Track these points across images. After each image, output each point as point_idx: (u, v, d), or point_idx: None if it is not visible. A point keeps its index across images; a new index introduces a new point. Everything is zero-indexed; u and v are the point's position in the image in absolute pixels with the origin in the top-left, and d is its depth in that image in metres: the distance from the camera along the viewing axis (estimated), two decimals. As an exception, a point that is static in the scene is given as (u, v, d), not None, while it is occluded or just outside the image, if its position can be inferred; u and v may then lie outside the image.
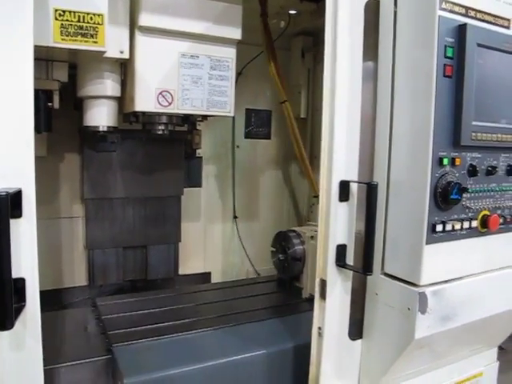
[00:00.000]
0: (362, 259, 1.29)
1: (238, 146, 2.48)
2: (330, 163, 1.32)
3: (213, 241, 2.47)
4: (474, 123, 1.25)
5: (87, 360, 1.42)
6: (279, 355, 1.51)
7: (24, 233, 1.02)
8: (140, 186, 2.13)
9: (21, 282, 1.02)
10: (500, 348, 3.52)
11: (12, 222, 0.97)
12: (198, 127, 2.20)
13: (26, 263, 1.02)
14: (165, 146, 2.13)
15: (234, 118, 2.41)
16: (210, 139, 2.38)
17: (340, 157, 1.32)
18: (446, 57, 1.20)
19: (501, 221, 1.39)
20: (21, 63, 0.99)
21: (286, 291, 2.00)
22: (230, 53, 1.75)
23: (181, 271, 2.34)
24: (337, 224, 1.34)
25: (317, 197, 2.20)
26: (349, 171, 1.34)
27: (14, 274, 0.97)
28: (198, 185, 2.37)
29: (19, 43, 0.99)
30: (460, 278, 1.35)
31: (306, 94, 2.47)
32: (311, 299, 1.80)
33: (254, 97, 2.46)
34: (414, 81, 1.24)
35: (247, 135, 2.51)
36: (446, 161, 1.23)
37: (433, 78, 1.19)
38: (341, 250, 1.35)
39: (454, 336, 1.43)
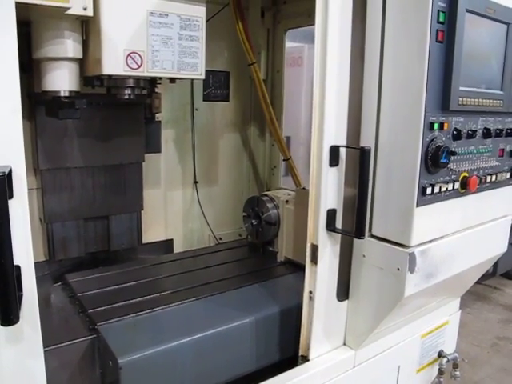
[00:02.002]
0: (355, 223, 1.32)
1: (196, 109, 2.39)
2: (321, 129, 1.31)
3: (173, 207, 2.40)
4: (461, 88, 1.28)
5: (70, 342, 1.35)
6: (266, 321, 1.52)
7: (16, 215, 0.93)
8: (99, 154, 1.99)
9: (16, 270, 0.93)
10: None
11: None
12: (157, 90, 2.08)
13: (20, 249, 0.94)
14: (124, 111, 2.00)
15: (192, 79, 2.33)
16: (168, 102, 2.27)
17: (330, 122, 1.31)
18: (438, 22, 1.21)
19: (477, 181, 1.46)
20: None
21: (259, 256, 2.00)
22: (200, 11, 1.65)
23: (143, 240, 2.27)
24: (327, 189, 1.35)
25: (286, 160, 2.21)
26: (338, 136, 1.34)
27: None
28: (158, 150, 2.27)
29: None
30: (441, 238, 1.42)
31: (265, 55, 2.41)
32: (286, 263, 1.84)
33: (211, 58, 2.35)
34: (406, 45, 1.25)
35: (205, 98, 2.41)
36: (436, 125, 1.26)
37: (426, 43, 1.20)
38: (331, 214, 1.37)
39: (433, 291, 1.52)
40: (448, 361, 1.83)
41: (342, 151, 1.34)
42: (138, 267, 1.88)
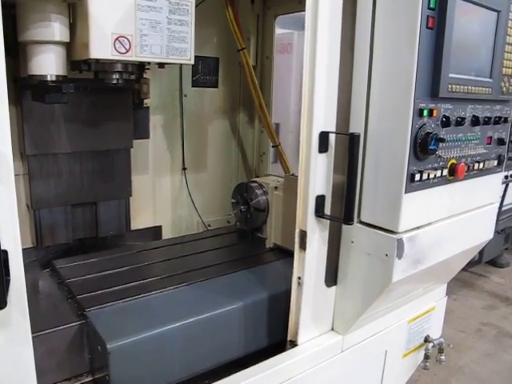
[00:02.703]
0: (344, 209, 1.32)
1: (185, 95, 2.38)
2: (311, 115, 1.31)
3: (162, 193, 2.40)
4: (450, 75, 1.28)
5: (59, 327, 1.35)
6: (255, 306, 1.53)
7: (3, 201, 0.92)
8: (87, 140, 1.97)
9: (4, 255, 0.92)
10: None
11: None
12: (145, 75, 2.06)
13: (6, 234, 0.93)
14: (112, 96, 1.98)
15: (180, 65, 2.30)
16: (157, 88, 2.25)
17: (320, 109, 1.31)
18: (429, 8, 1.20)
19: (465, 169, 1.47)
20: None
21: (247, 242, 2.01)
22: (190, -5, 1.63)
23: (131, 226, 2.26)
24: (316, 175, 1.35)
25: (275, 147, 2.21)
26: (328, 123, 1.34)
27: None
28: (146, 136, 2.25)
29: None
30: (429, 224, 1.43)
31: (255, 41, 2.39)
32: (275, 249, 1.85)
33: (200, 44, 2.31)
34: (397, 31, 1.24)
35: (194, 84, 2.40)
36: (425, 112, 1.27)
37: (417, 29, 1.20)
38: (320, 200, 1.37)
39: (418, 277, 1.54)
40: (434, 346, 1.86)
41: (332, 137, 1.35)
42: (127, 253, 1.88)
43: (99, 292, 1.53)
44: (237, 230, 2.10)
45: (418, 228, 1.39)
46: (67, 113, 1.91)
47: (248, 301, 1.52)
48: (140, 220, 2.32)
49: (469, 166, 1.48)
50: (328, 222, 1.41)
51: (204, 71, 2.42)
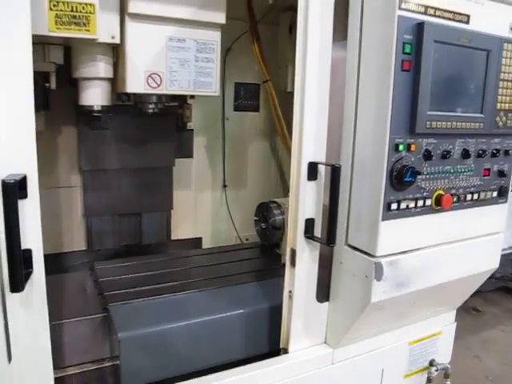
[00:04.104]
0: (327, 232, 1.46)
1: (227, 119, 2.61)
2: (300, 146, 1.46)
3: (203, 208, 2.64)
4: (429, 113, 1.38)
5: (86, 317, 1.61)
6: (256, 314, 1.69)
7: (29, 211, 1.16)
8: (134, 158, 2.27)
9: (28, 252, 1.18)
10: (476, 310, 3.77)
11: (19, 202, 1.11)
12: (188, 101, 2.32)
13: (31, 236, 1.17)
14: (157, 121, 2.24)
15: (223, 91, 2.54)
16: (201, 112, 2.50)
17: (309, 140, 1.46)
18: (404, 53, 1.32)
19: (454, 199, 1.54)
20: (20, 56, 1.11)
21: (267, 257, 2.18)
22: (215, 36, 1.85)
23: (173, 236, 2.52)
24: (305, 200, 1.50)
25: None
26: (317, 153, 1.49)
27: (22, 246, 1.13)
28: (190, 155, 2.51)
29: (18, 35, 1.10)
30: (416, 250, 1.52)
31: (292, 68, 2.55)
32: None
33: (242, 71, 2.56)
34: (376, 73, 1.37)
35: (236, 108, 2.62)
36: (401, 146, 1.37)
37: (391, 72, 1.32)
38: (309, 223, 1.52)
39: (411, 300, 1.62)
40: (437, 370, 1.90)
41: (321, 166, 1.49)
42: (158, 260, 2.12)
43: (124, 291, 1.77)
44: (260, 245, 2.27)
45: (403, 253, 1.49)
46: (117, 134, 2.21)
47: (250, 309, 1.69)
48: (182, 231, 2.58)
49: (459, 197, 1.55)
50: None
51: (246, 96, 2.64)
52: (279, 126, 2.22)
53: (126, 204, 2.31)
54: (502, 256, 2.82)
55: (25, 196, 1.15)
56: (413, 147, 1.40)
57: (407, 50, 1.32)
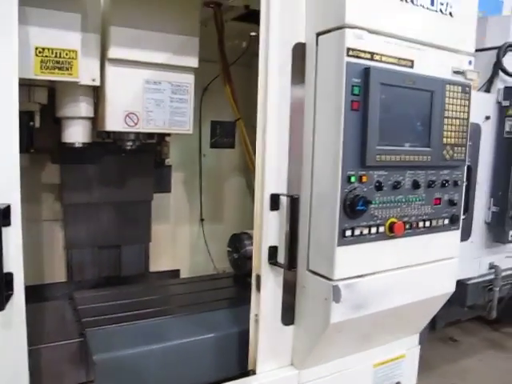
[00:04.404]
0: (287, 258, 1.57)
1: (204, 155, 2.75)
2: (263, 179, 1.59)
3: (181, 241, 2.74)
4: (378, 147, 1.53)
5: (63, 342, 1.69)
6: (226, 338, 1.78)
7: (12, 238, 1.27)
8: (113, 192, 2.38)
9: (10, 276, 1.27)
10: (453, 340, 3.84)
11: (3, 229, 1.22)
12: (166, 139, 2.46)
13: (13, 261, 1.27)
14: (136, 157, 2.37)
15: (200, 129, 2.69)
16: (179, 149, 2.64)
17: (271, 174, 1.59)
18: (352, 94, 1.48)
19: (407, 226, 1.67)
20: (7, 97, 1.24)
21: (239, 286, 2.28)
22: (189, 78, 2.02)
23: (152, 268, 2.61)
24: (268, 229, 1.61)
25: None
26: (279, 185, 1.61)
27: (5, 269, 1.23)
28: (168, 190, 2.64)
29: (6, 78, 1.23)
30: (372, 274, 1.63)
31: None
32: None
33: (218, 110, 2.72)
34: (329, 113, 1.52)
35: (213, 145, 2.78)
36: (353, 178, 1.51)
37: (341, 112, 1.47)
38: (272, 250, 1.63)
39: (371, 322, 1.72)
40: (402, 392, 1.98)
41: (283, 198, 1.61)
42: (135, 289, 2.20)
43: (101, 317, 1.85)
44: (234, 275, 2.38)
45: (360, 276, 1.60)
46: (98, 170, 2.33)
47: (221, 333, 1.78)
48: (161, 263, 2.67)
49: (411, 224, 1.68)
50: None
51: (222, 134, 2.79)
52: (250, 161, 2.36)
53: (105, 236, 2.41)
54: (473, 284, 2.96)
55: (8, 224, 1.26)
56: (364, 179, 1.53)
57: (356, 91, 1.48)
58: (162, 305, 2.02)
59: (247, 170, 2.85)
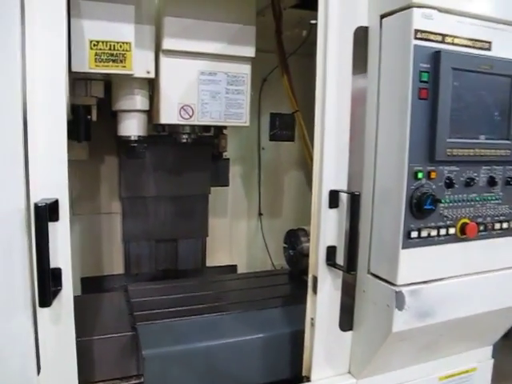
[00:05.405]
0: (346, 259, 1.46)
1: (263, 148, 2.68)
2: (321, 174, 1.48)
3: (238, 236, 2.69)
4: (449, 140, 1.37)
5: (115, 335, 1.70)
6: (279, 339, 1.71)
7: (60, 233, 1.25)
8: (170, 186, 2.37)
9: (58, 271, 1.26)
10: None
11: (51, 224, 1.20)
12: (224, 132, 2.40)
13: (61, 256, 1.25)
14: (193, 150, 2.33)
15: (259, 121, 2.62)
16: (237, 142, 2.58)
17: (330, 169, 1.48)
18: (421, 81, 1.33)
19: (481, 228, 1.50)
20: (56, 91, 1.22)
21: (294, 283, 2.21)
22: (246, 69, 1.94)
23: (209, 263, 2.58)
24: (326, 228, 1.51)
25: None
26: (338, 181, 1.50)
27: (53, 265, 1.21)
28: (226, 184, 2.59)
29: (53, 74, 1.21)
30: (440, 280, 1.48)
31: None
32: None
33: (278, 101, 2.62)
34: (394, 102, 1.38)
35: (272, 138, 2.69)
36: (420, 174, 1.37)
37: (408, 101, 1.32)
38: (330, 250, 1.52)
39: (438, 332, 1.57)
40: (472, 408, 1.81)
41: (343, 195, 1.50)
42: (189, 283, 2.18)
43: (154, 311, 1.84)
44: (289, 272, 2.31)
45: (425, 282, 1.46)
46: (155, 163, 2.33)
47: (272, 333, 1.71)
48: (217, 258, 2.64)
49: (486, 226, 1.51)
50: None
51: (281, 126, 2.70)
52: (308, 155, 2.25)
53: (162, 230, 2.41)
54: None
55: (56, 219, 1.24)
56: (433, 175, 1.39)
57: (424, 78, 1.33)
58: (215, 301, 1.98)
59: (307, 164, 2.75)
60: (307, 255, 2.01)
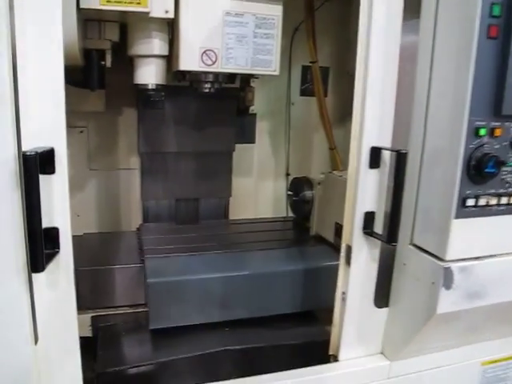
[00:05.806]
0: (387, 228, 1.27)
1: (293, 103, 2.46)
2: (362, 128, 1.28)
3: (264, 196, 2.52)
4: (520, 90, 1.14)
5: (123, 266, 1.76)
6: (285, 275, 1.73)
7: (56, 188, 1.08)
8: (192, 141, 2.19)
9: (54, 231, 1.10)
10: None
11: (45, 177, 1.04)
12: (251, 84, 2.19)
13: (58, 214, 1.10)
14: (216, 103, 2.16)
15: (289, 74, 2.39)
16: (265, 96, 2.37)
17: (372, 123, 1.27)
18: (491, 15, 1.09)
19: (545, 198, 1.28)
20: (51, 29, 1.02)
21: (298, 229, 2.28)
22: (277, 10, 1.70)
23: (232, 225, 2.43)
24: (365, 191, 1.31)
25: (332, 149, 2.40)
26: (381, 137, 1.29)
27: (48, 224, 1.06)
28: (251, 141, 2.40)
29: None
30: (495, 256, 1.28)
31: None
32: (317, 237, 2.06)
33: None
34: (454, 42, 1.15)
35: (303, 93, 2.46)
36: (483, 131, 1.14)
37: (473, 40, 1.09)
38: (369, 217, 1.33)
39: (487, 314, 1.38)
40: (517, 396, 1.63)
41: (386, 153, 1.29)
42: (203, 225, 2.21)
43: (162, 247, 1.84)
44: (294, 218, 2.37)
45: (477, 258, 1.26)
46: (176, 116, 2.15)
47: (282, 268, 1.74)
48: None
49: (556, 196, 1.28)
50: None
51: (313, 80, 2.45)
52: (321, 113, 2.08)
53: (183, 188, 2.25)
54: None
55: (52, 171, 1.07)
56: (497, 132, 1.16)
57: (495, 12, 1.09)
58: (223, 240, 2.00)
59: (340, 120, 2.52)
60: (308, 202, 2.09)
